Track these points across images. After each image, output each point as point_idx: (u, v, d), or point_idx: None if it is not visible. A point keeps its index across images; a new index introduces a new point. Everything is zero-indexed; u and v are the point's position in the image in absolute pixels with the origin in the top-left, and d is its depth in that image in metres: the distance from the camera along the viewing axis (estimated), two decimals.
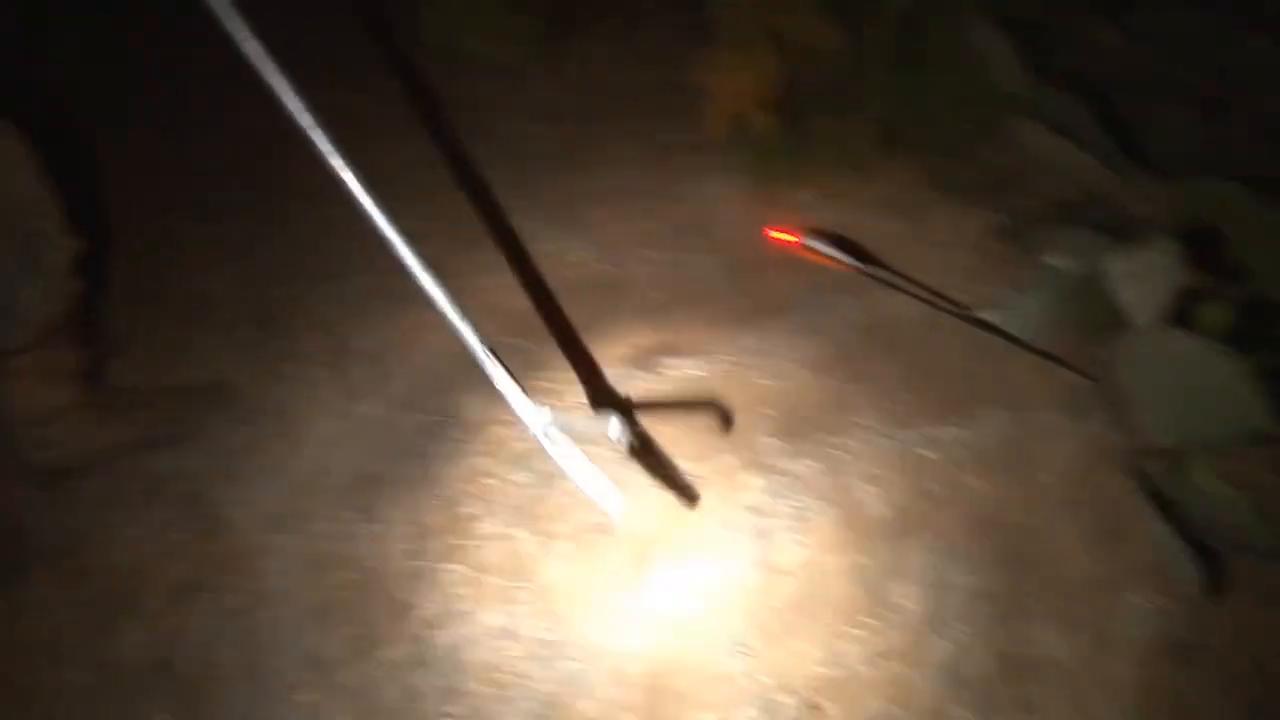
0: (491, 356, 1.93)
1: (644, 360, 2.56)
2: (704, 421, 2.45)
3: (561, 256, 2.89)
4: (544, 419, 1.96)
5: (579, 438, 2.02)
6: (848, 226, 2.66)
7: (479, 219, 2.97)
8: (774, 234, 2.49)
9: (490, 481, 2.41)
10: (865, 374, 2.46)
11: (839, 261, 2.38)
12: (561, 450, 1.97)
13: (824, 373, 2.48)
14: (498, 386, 1.97)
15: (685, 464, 2.37)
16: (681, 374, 2.51)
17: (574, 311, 2.71)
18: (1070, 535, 2.22)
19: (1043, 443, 2.34)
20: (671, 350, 2.57)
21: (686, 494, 2.31)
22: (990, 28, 2.47)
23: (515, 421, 2.02)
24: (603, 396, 2.50)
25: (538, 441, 2.00)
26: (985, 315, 2.40)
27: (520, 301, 2.78)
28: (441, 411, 2.55)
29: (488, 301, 2.74)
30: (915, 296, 2.50)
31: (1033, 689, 2.08)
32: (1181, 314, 2.03)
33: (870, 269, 2.46)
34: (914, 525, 2.25)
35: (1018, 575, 2.18)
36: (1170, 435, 2.16)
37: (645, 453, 2.34)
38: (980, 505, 2.26)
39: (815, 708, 2.08)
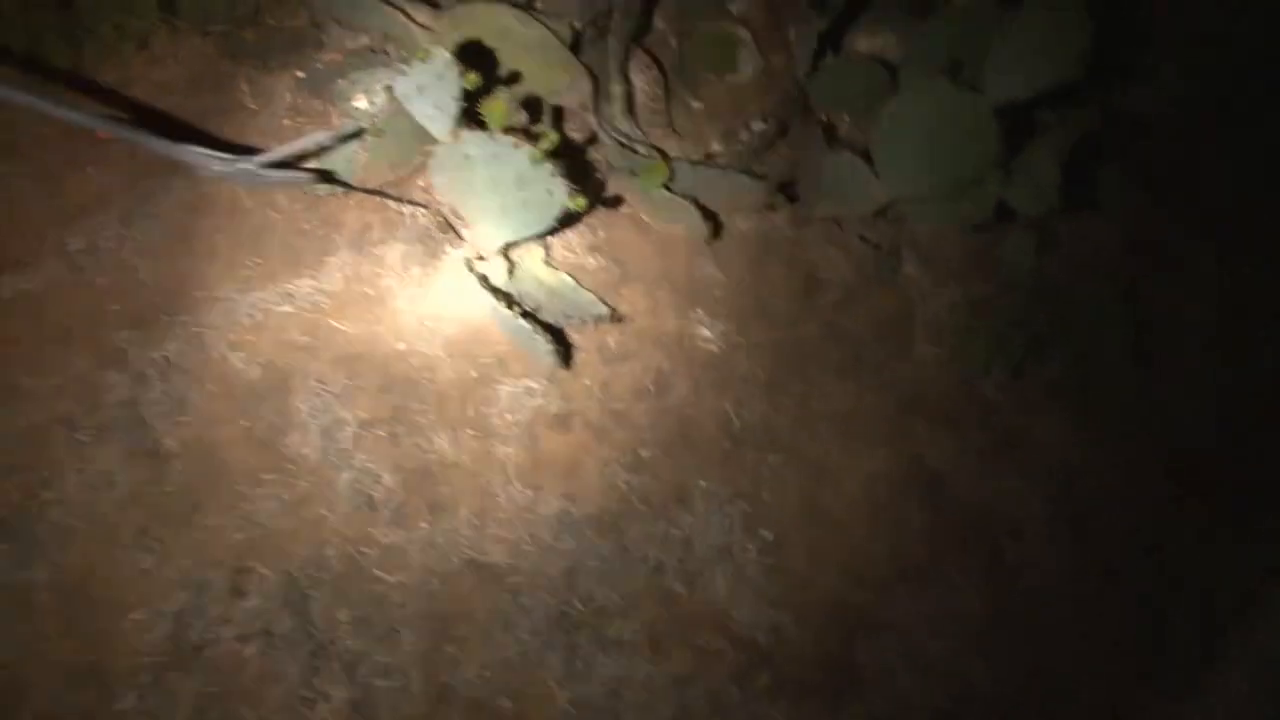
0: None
1: None
2: None
3: None
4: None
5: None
6: (151, 111, 2.91)
7: None
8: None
9: None
10: (207, 250, 2.62)
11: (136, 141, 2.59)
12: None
13: (161, 256, 2.62)
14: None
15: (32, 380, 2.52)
16: (11, 293, 2.55)
17: None
18: (434, 348, 2.60)
19: (392, 273, 2.69)
20: None
21: None
22: None
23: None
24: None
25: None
26: (307, 168, 2.80)
27: None
28: None
29: None
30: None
31: (439, 490, 2.53)
32: (471, 116, 2.38)
33: (165, 145, 2.69)
34: (289, 377, 2.50)
35: (398, 396, 2.53)
36: (496, 234, 2.58)
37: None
38: (348, 343, 2.56)
39: (244, 571, 2.43)
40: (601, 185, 2.82)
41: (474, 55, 2.44)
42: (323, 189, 2.64)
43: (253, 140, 2.75)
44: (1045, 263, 2.86)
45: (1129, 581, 2.69)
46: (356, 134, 2.52)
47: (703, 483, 2.60)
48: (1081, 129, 2.52)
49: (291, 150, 2.45)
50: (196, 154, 2.42)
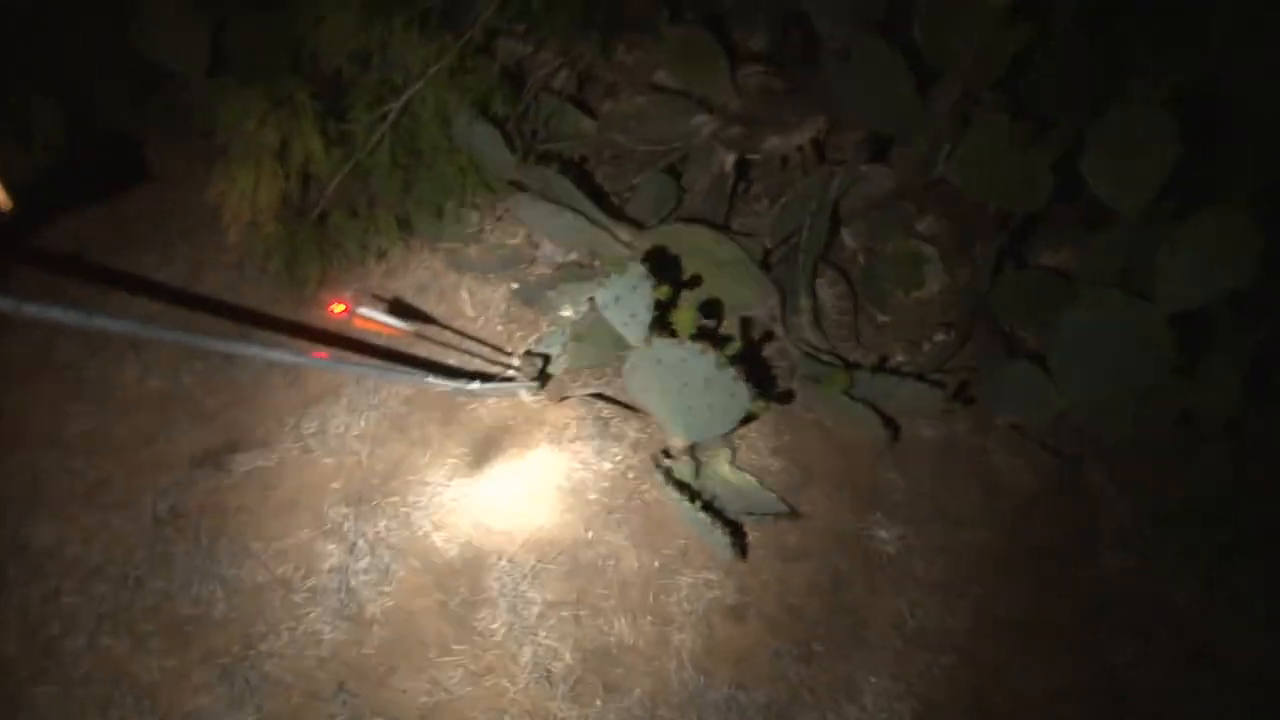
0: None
1: (212, 460, 3.02)
2: None
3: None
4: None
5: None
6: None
7: None
8: (335, 308, 3.18)
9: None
10: (420, 439, 3.00)
11: (394, 328, 3.08)
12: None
13: (380, 442, 3.01)
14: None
15: (260, 543, 2.94)
16: (251, 467, 2.98)
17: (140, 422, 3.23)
18: (621, 538, 2.84)
19: (586, 467, 2.98)
20: (235, 447, 3.06)
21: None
22: (478, 121, 3.18)
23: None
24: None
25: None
26: (512, 371, 3.10)
27: None
28: None
29: None
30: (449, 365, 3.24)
31: (615, 670, 2.67)
32: (662, 324, 2.66)
33: (417, 327, 3.09)
34: (485, 556, 2.79)
35: (583, 580, 2.77)
36: (683, 434, 2.85)
37: None
38: (542, 529, 2.84)
39: None
40: (786, 391, 3.05)
41: (666, 268, 2.72)
42: (526, 393, 3.01)
43: (471, 344, 3.19)
44: (1237, 468, 2.88)
45: None
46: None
47: (873, 679, 2.68)
48: (1264, 332, 2.56)
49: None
50: (430, 381, 2.84)
